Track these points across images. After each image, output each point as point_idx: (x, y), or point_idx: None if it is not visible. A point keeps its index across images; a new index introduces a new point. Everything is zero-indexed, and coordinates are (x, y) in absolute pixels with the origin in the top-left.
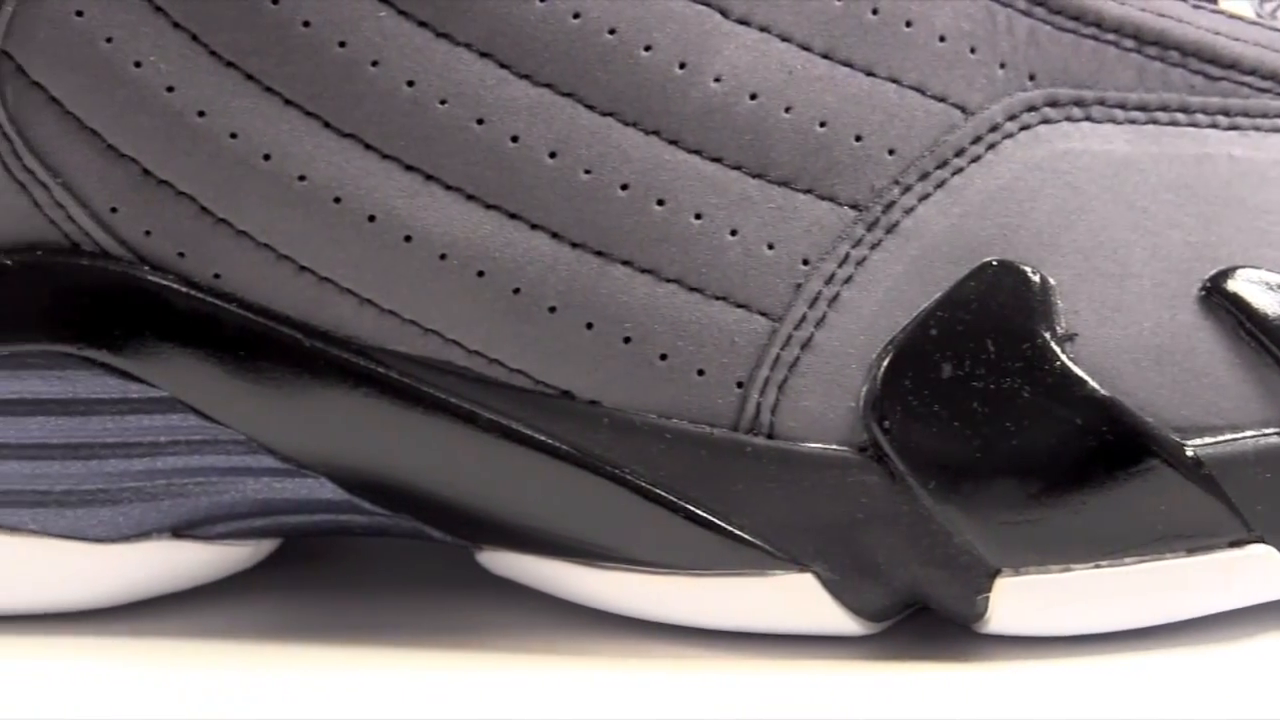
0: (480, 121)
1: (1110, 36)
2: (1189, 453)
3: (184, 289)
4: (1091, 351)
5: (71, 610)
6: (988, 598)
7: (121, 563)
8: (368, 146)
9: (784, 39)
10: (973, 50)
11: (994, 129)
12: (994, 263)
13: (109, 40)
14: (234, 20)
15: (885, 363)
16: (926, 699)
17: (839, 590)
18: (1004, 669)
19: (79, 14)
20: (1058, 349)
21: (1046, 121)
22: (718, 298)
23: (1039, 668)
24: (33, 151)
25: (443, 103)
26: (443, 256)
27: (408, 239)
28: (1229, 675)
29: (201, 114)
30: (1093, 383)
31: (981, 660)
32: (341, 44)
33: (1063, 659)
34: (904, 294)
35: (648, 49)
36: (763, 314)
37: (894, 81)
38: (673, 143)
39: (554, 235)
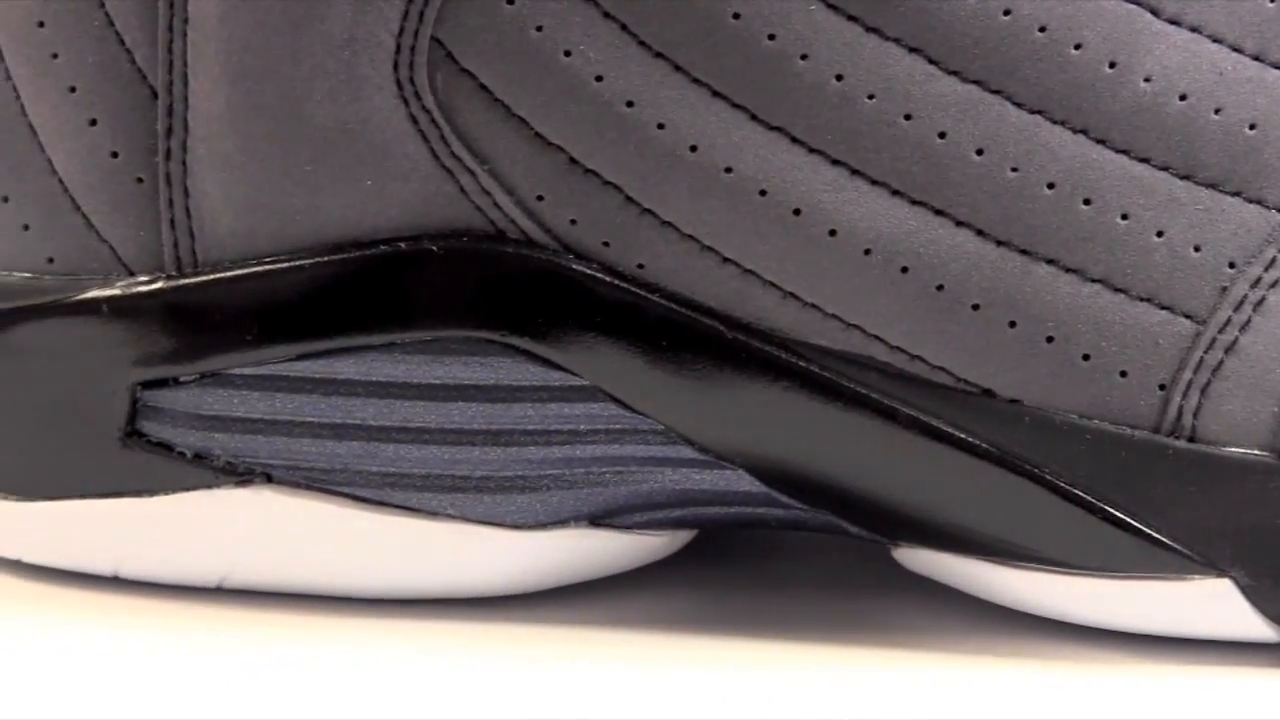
0: (908, 117)
1: None
2: None
3: (608, 278)
4: None
5: (488, 595)
6: None
7: (539, 549)
8: (794, 139)
9: (1215, 40)
10: None
11: None
12: None
13: (539, 29)
14: (664, 11)
15: None
16: None
17: (1257, 597)
18: None
19: (509, 2)
20: None
21: None
22: (1142, 299)
23: None
24: (460, 138)
25: (870, 98)
26: (867, 251)
27: (832, 233)
28: None
29: (630, 104)
30: None
31: None
32: (771, 36)
33: None
34: None
35: (1078, 47)
36: (1187, 316)
37: None
38: (1100, 142)
39: (979, 232)
